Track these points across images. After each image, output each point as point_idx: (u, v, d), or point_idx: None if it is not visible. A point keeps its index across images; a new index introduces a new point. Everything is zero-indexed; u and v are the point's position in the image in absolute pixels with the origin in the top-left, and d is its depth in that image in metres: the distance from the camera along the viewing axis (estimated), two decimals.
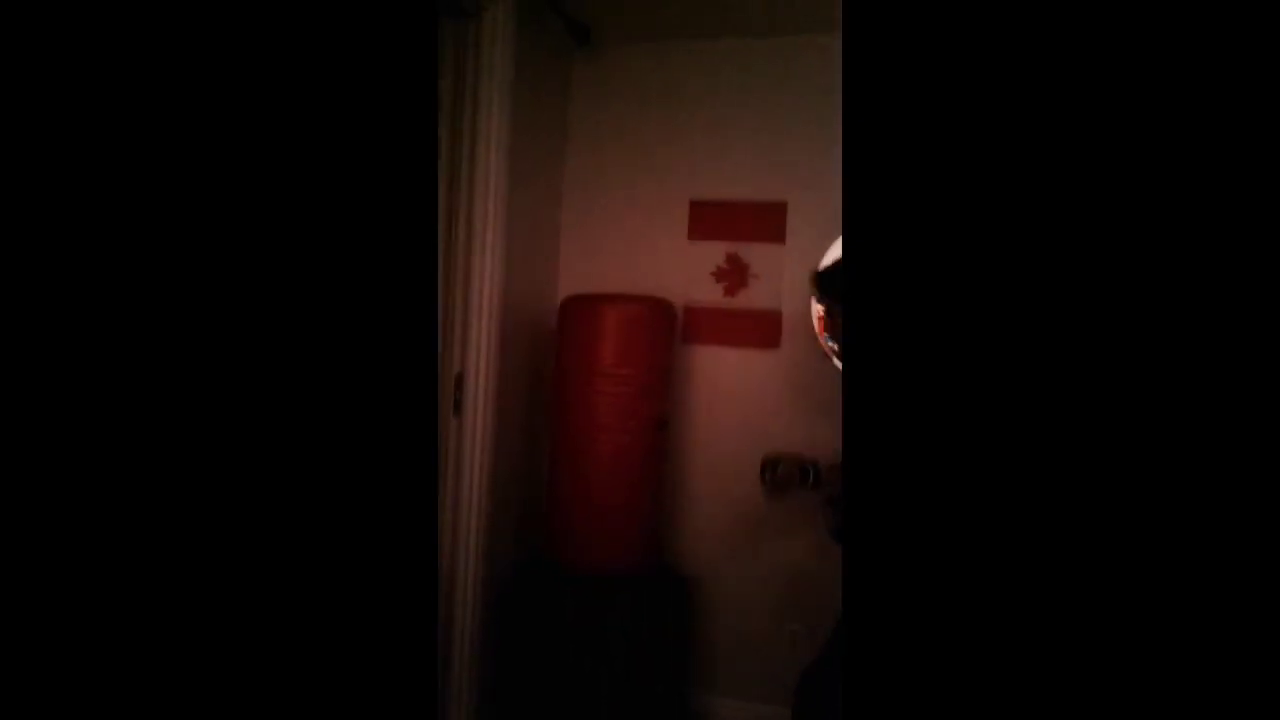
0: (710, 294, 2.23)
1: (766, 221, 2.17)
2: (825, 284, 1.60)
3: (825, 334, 2.11)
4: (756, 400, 2.20)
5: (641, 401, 1.89)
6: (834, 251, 2.11)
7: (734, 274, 2.21)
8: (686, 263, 2.24)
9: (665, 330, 1.98)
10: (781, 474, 1.76)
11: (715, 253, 2.22)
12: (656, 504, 2.00)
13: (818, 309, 2.12)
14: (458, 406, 1.85)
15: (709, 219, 2.23)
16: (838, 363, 2.08)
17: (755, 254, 2.19)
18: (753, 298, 2.20)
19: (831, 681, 1.61)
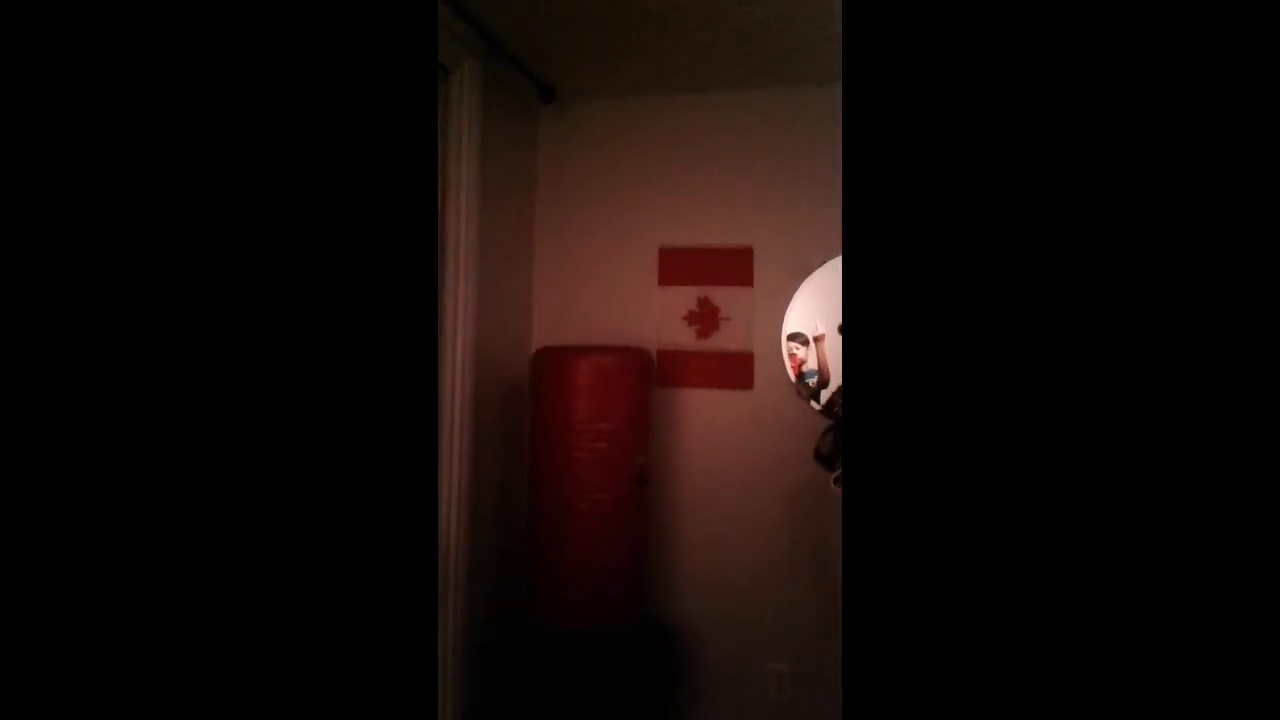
0: (684, 337, 2.26)
1: (734, 265, 2.23)
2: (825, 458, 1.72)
3: (796, 378, 2.16)
4: (735, 441, 2.22)
5: (619, 456, 1.86)
6: (800, 299, 2.16)
7: (705, 317, 2.25)
8: (659, 308, 2.28)
9: (641, 380, 1.97)
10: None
11: (686, 297, 2.27)
12: (638, 556, 1.98)
13: (790, 349, 2.16)
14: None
15: (678, 264, 2.28)
16: (813, 404, 2.12)
17: (725, 297, 2.24)
18: (725, 340, 2.24)
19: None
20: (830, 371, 2.13)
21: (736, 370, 2.23)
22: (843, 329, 1.75)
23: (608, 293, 2.33)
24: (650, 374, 2.05)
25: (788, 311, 2.17)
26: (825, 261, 2.14)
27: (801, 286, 2.16)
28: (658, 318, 2.28)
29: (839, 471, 1.69)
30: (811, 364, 2.14)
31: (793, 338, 2.16)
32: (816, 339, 2.13)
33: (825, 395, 2.12)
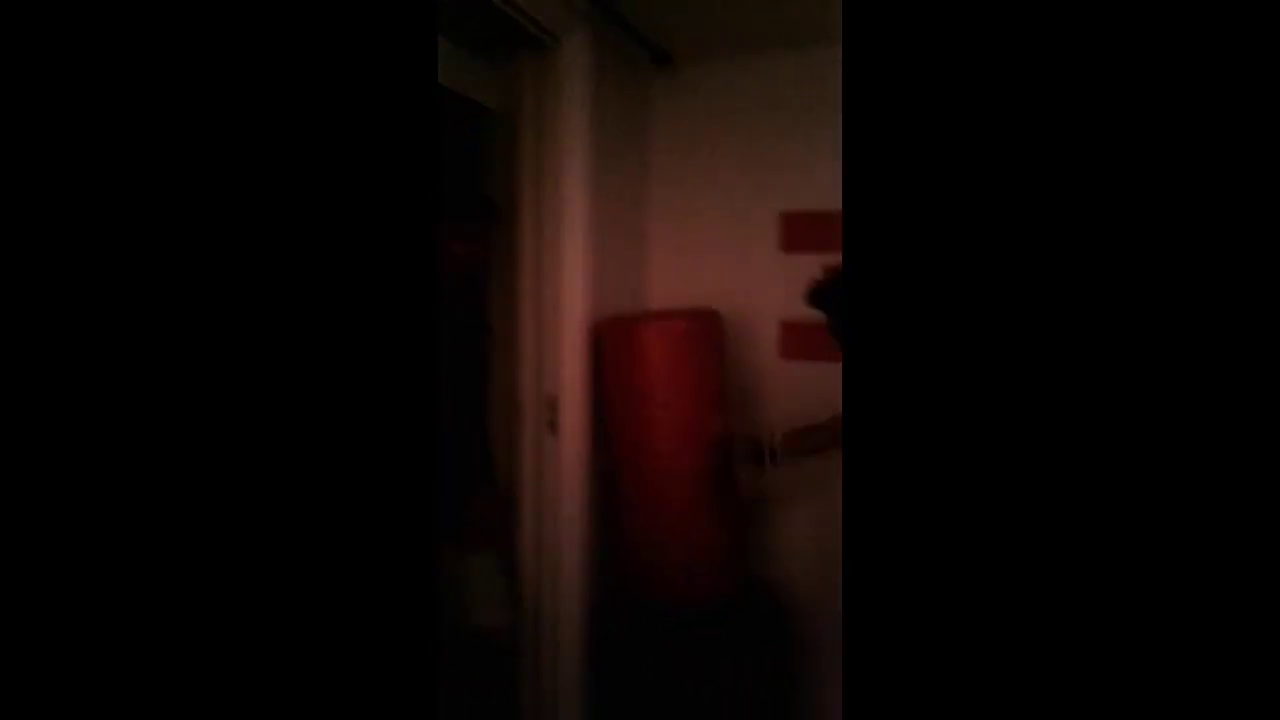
0: (806, 308, 2.15)
1: None
2: (814, 299, 1.63)
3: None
4: None
5: (695, 420, 1.81)
6: None
7: None
8: (781, 276, 2.17)
9: (716, 343, 1.91)
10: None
11: (810, 265, 2.14)
12: (740, 524, 1.92)
13: None
14: (553, 427, 1.87)
15: (801, 230, 2.16)
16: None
17: None
18: None
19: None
20: None
21: None
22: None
23: (726, 261, 2.25)
24: (723, 336, 1.98)
25: None
26: None
27: None
28: (781, 287, 2.17)
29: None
30: None
31: None
32: None
33: None
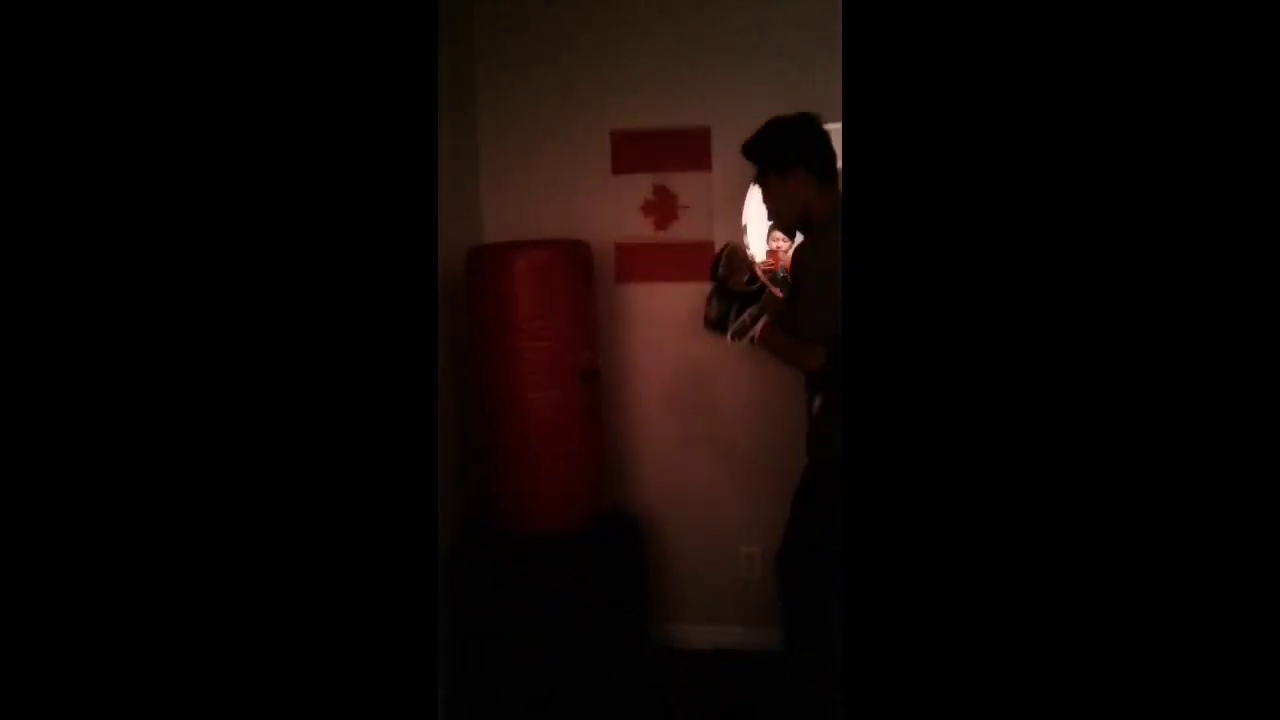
0: (640, 229, 2.16)
1: (691, 149, 2.10)
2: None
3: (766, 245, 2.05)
4: (696, 335, 2.17)
5: (564, 352, 1.80)
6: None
7: (662, 206, 2.15)
8: (613, 198, 2.16)
9: (583, 273, 1.89)
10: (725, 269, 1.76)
11: (642, 185, 2.15)
12: (595, 454, 1.96)
13: (754, 245, 2.07)
14: None
15: (632, 150, 2.14)
16: (773, 289, 2.02)
17: (682, 184, 2.13)
18: (684, 229, 2.14)
19: (804, 555, 1.67)
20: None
21: (698, 262, 2.15)
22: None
23: (559, 184, 2.19)
24: (590, 266, 1.95)
25: (749, 197, 2.07)
26: None
27: None
28: (613, 209, 2.16)
29: (732, 329, 1.70)
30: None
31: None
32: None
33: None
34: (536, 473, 1.83)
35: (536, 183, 2.20)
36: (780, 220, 1.72)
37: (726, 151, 2.08)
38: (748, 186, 2.05)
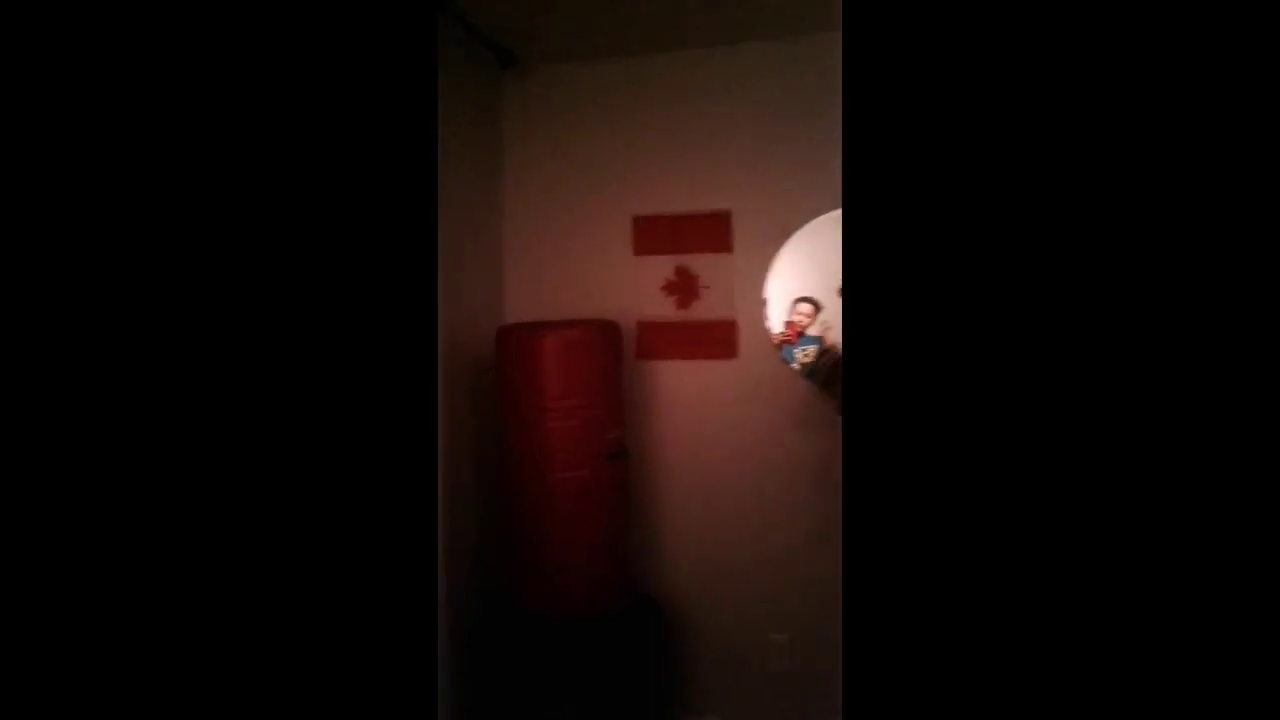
0: (662, 308, 2.20)
1: (712, 231, 2.15)
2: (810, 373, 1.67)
3: (783, 347, 2.08)
4: (719, 412, 2.16)
5: (591, 432, 1.80)
6: (783, 262, 2.08)
7: (684, 286, 2.18)
8: (635, 279, 2.20)
9: (612, 353, 1.90)
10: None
11: (664, 267, 2.19)
12: (623, 534, 1.92)
13: (774, 319, 2.08)
14: None
15: (654, 233, 2.20)
16: (798, 370, 2.02)
17: (703, 265, 2.17)
18: (705, 309, 2.17)
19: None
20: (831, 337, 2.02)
21: (719, 340, 2.16)
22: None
23: (582, 266, 2.25)
24: (619, 346, 1.97)
25: (770, 271, 2.09)
26: (806, 223, 2.07)
27: (783, 250, 2.10)
28: (635, 289, 2.20)
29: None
30: (816, 330, 2.03)
31: (804, 300, 2.03)
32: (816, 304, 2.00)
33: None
34: (564, 554, 1.79)
35: (560, 264, 2.26)
36: None
37: (746, 233, 2.13)
38: (767, 267, 2.09)
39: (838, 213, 1.70)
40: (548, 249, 2.27)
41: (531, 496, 1.80)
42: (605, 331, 1.89)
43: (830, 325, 1.96)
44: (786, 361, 2.07)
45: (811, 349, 1.80)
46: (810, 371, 1.74)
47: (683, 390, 2.19)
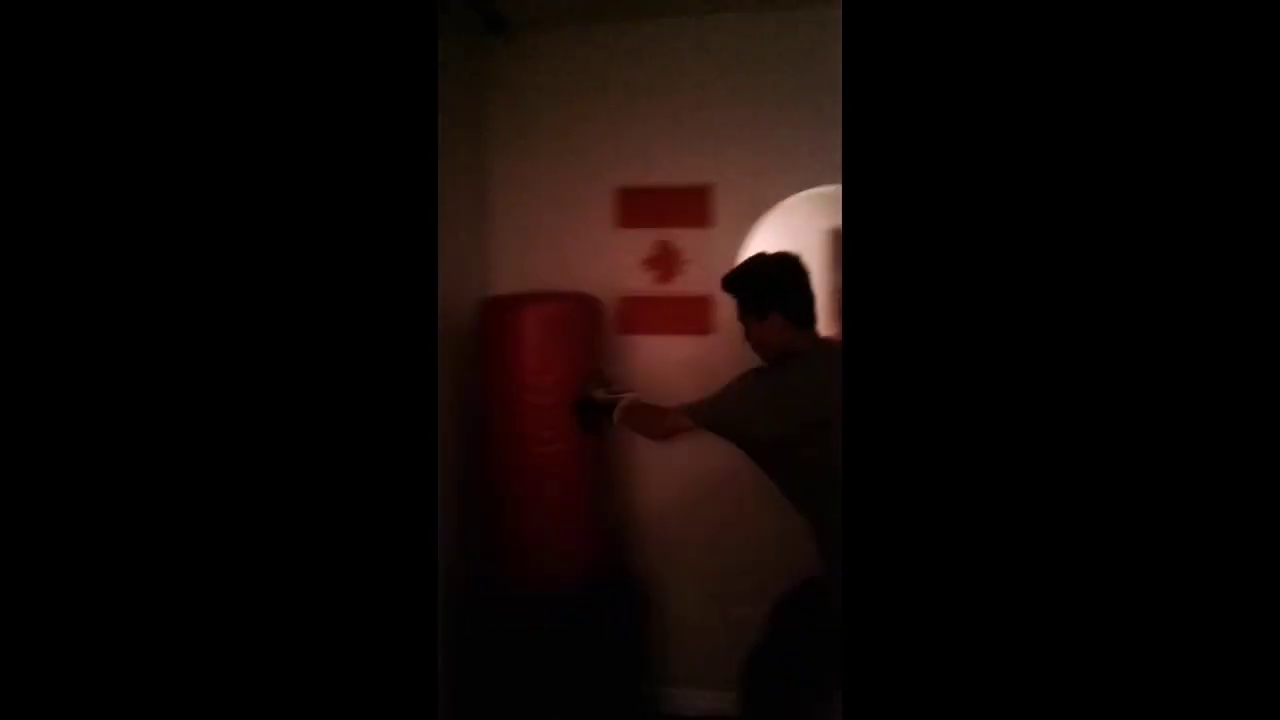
0: (643, 282, 2.19)
1: (694, 205, 2.14)
2: (732, 285, 1.66)
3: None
4: (700, 388, 2.17)
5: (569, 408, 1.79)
6: (760, 237, 2.09)
7: (665, 261, 2.18)
8: (617, 252, 2.19)
9: (592, 327, 1.89)
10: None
11: (645, 240, 2.18)
12: (600, 509, 1.93)
13: None
14: None
15: (636, 206, 2.18)
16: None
17: (685, 239, 2.16)
18: (686, 284, 2.17)
19: (774, 663, 1.61)
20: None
21: (699, 315, 2.17)
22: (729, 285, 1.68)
23: (565, 237, 2.23)
24: (600, 320, 1.96)
25: (745, 251, 2.09)
26: (785, 198, 2.07)
27: (760, 226, 2.10)
28: (617, 263, 2.19)
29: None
30: None
31: None
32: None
33: None
34: (541, 527, 1.80)
35: (543, 236, 2.24)
36: (760, 356, 1.68)
37: (729, 208, 2.12)
38: (749, 242, 2.09)
39: (818, 190, 1.69)
40: (532, 220, 2.25)
41: (509, 471, 1.80)
42: (585, 306, 1.88)
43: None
44: None
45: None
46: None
47: (664, 366, 2.20)
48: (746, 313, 1.63)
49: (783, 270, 1.60)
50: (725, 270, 1.70)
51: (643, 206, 2.18)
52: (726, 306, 2.14)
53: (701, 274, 2.15)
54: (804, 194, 2.07)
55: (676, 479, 2.21)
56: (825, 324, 1.65)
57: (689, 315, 2.16)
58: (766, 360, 1.65)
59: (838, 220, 1.66)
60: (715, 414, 1.61)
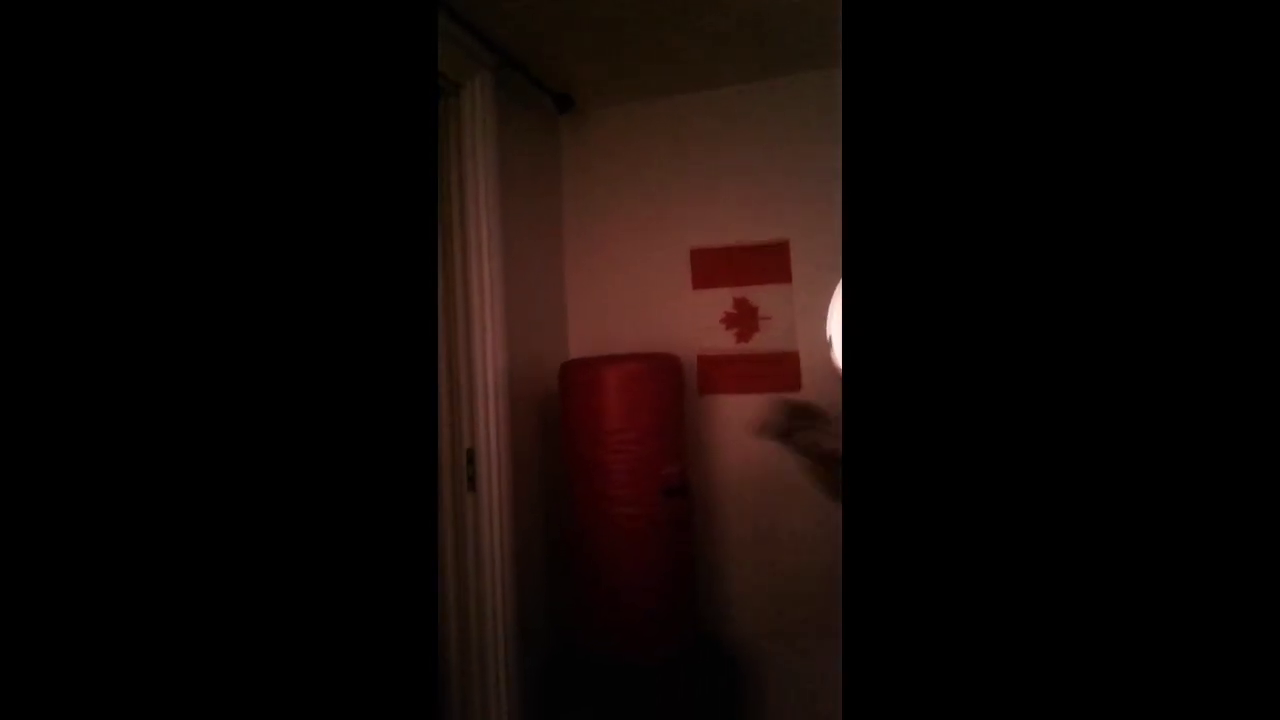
0: (722, 341, 2.17)
1: (771, 262, 2.13)
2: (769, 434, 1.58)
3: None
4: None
5: (652, 466, 1.76)
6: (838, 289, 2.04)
7: (744, 318, 2.16)
8: (694, 313, 2.19)
9: (672, 386, 1.88)
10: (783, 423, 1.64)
11: (723, 299, 2.18)
12: (683, 573, 1.87)
13: (839, 351, 2.04)
14: (472, 483, 1.80)
15: (711, 266, 2.19)
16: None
17: (763, 296, 2.14)
18: (766, 341, 2.14)
19: None
20: None
21: (782, 372, 2.12)
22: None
23: (641, 300, 2.26)
24: (680, 379, 1.94)
25: (832, 304, 2.05)
26: None
27: (837, 277, 2.05)
28: (694, 323, 2.19)
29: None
30: None
31: None
32: None
33: None
34: (619, 591, 1.76)
35: (620, 299, 2.28)
36: None
37: (806, 263, 2.09)
38: (829, 297, 2.04)
39: None
40: (608, 285, 2.29)
41: (589, 533, 1.79)
42: (664, 365, 1.88)
43: None
44: None
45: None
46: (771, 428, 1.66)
47: (746, 425, 2.15)
48: None
49: None
50: (806, 324, 1.64)
51: (718, 265, 2.18)
52: (809, 361, 2.09)
53: (782, 330, 2.11)
54: None
55: (768, 542, 2.12)
56: None
57: (771, 372, 2.12)
58: None
59: None
60: None
